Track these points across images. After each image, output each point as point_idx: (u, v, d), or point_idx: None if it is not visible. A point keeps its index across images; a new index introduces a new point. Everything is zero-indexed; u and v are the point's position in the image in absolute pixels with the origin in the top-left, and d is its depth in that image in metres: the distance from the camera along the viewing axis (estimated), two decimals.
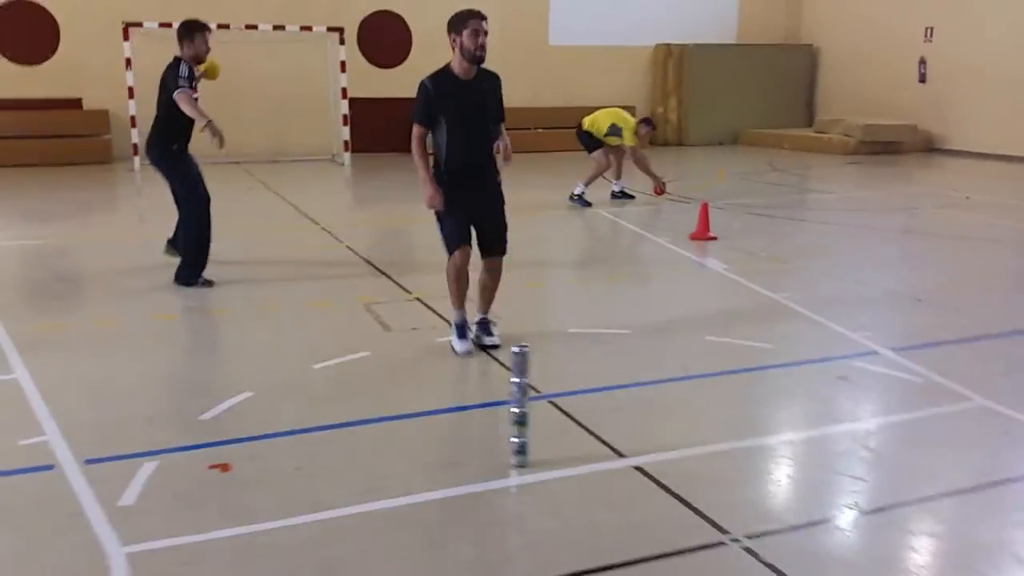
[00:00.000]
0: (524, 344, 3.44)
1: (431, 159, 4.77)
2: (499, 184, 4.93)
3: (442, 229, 4.81)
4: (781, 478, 3.48)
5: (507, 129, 4.91)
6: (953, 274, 6.98)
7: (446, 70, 4.72)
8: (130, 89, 12.64)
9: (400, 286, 6.37)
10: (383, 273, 6.83)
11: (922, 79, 16.94)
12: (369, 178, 13.30)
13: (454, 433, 4.05)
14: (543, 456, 3.48)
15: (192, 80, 6.06)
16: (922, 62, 16.88)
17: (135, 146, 12.53)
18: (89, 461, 3.51)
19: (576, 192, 10.18)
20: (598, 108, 11.46)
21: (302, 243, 8.14)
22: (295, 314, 5.79)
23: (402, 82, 15.80)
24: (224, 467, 3.48)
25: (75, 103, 13.73)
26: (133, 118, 12.78)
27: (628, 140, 10.11)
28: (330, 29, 13.85)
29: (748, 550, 2.85)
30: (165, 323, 5.63)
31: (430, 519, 3.15)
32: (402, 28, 15.98)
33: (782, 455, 3.67)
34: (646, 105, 18.50)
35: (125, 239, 8.35)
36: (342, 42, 13.82)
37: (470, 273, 4.89)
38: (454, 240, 4.76)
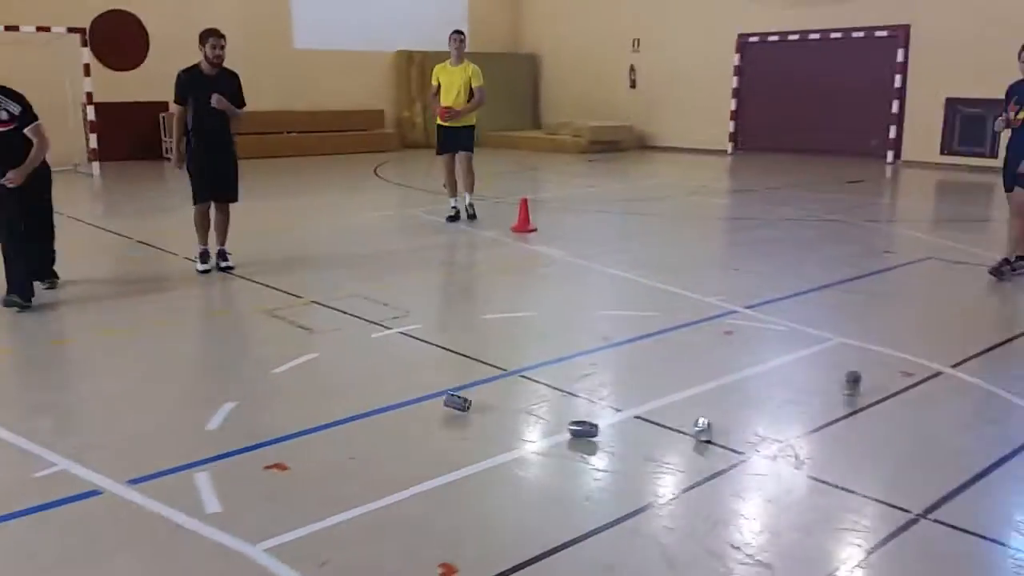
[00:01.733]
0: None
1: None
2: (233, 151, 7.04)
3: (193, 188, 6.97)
4: (763, 403, 4.29)
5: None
6: (748, 246, 8.41)
7: (197, 67, 6.83)
8: None
9: (282, 291, 6.39)
10: (247, 279, 6.77)
11: (632, 85, 19.31)
12: (130, 188, 12.46)
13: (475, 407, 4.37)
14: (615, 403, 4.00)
15: None
16: (632, 69, 19.25)
17: None
18: (133, 481, 3.40)
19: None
20: (347, 112, 11.60)
21: (125, 257, 7.69)
22: (205, 326, 5.63)
23: (142, 85, 14.93)
24: (280, 466, 3.56)
25: None
26: None
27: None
28: (71, 30, 12.66)
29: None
30: (72, 346, 5.22)
31: (509, 476, 3.54)
32: (139, 29, 15.00)
33: (739, 390, 4.49)
34: (393, 109, 19.05)
35: None
36: (84, 44, 12.70)
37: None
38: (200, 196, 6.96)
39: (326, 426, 3.99)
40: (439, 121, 9.43)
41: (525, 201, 8.99)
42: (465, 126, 9.39)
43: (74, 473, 3.48)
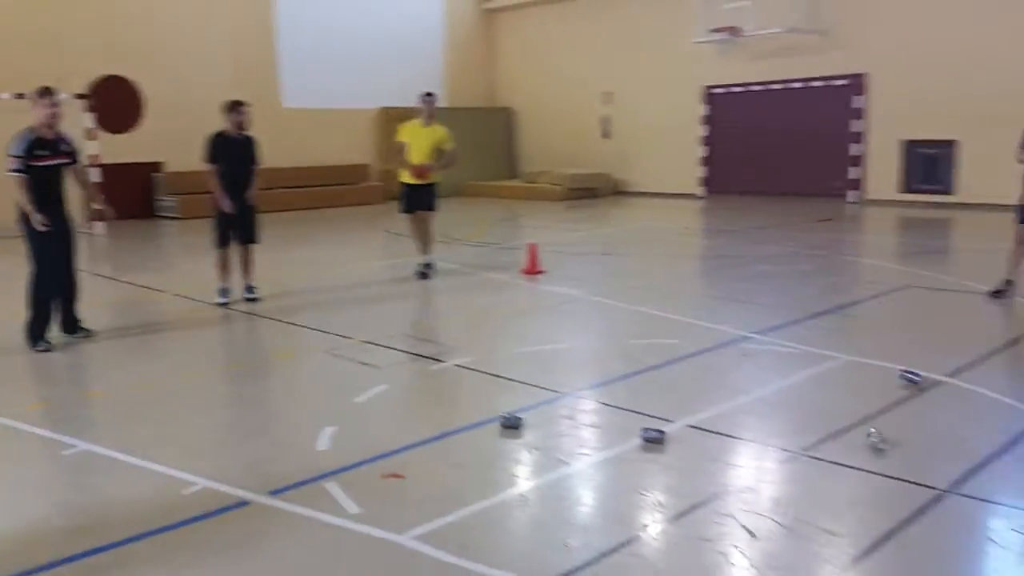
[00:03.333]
0: None
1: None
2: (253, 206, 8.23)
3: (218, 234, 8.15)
4: (791, 411, 4.92)
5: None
6: (745, 280, 9.11)
7: (224, 132, 7.97)
8: None
9: (333, 334, 6.92)
10: (292, 323, 7.31)
11: (605, 135, 20.27)
12: (141, 245, 12.89)
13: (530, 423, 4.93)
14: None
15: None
16: (604, 120, 20.22)
17: None
18: (273, 492, 3.91)
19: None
20: (334, 167, 12.02)
21: (167, 309, 8.20)
22: (276, 366, 6.16)
23: (136, 147, 15.43)
24: (396, 475, 4.09)
25: None
26: None
27: None
28: (78, 96, 13.16)
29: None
30: (154, 390, 5.69)
31: (595, 474, 4.13)
32: (134, 93, 15.51)
33: (768, 402, 5.13)
34: (376, 162, 19.74)
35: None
36: (90, 109, 13.20)
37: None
38: (223, 240, 8.15)
39: (423, 442, 4.53)
40: (405, 179, 9.39)
41: (534, 246, 9.65)
42: (430, 184, 9.41)
43: (216, 489, 3.98)
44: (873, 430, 4.37)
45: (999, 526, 3.57)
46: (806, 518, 3.57)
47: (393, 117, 19.83)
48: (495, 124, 21.71)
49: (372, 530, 3.54)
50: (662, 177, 19.25)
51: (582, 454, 4.36)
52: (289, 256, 11.61)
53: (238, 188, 8.03)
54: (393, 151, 9.60)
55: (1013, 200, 7.84)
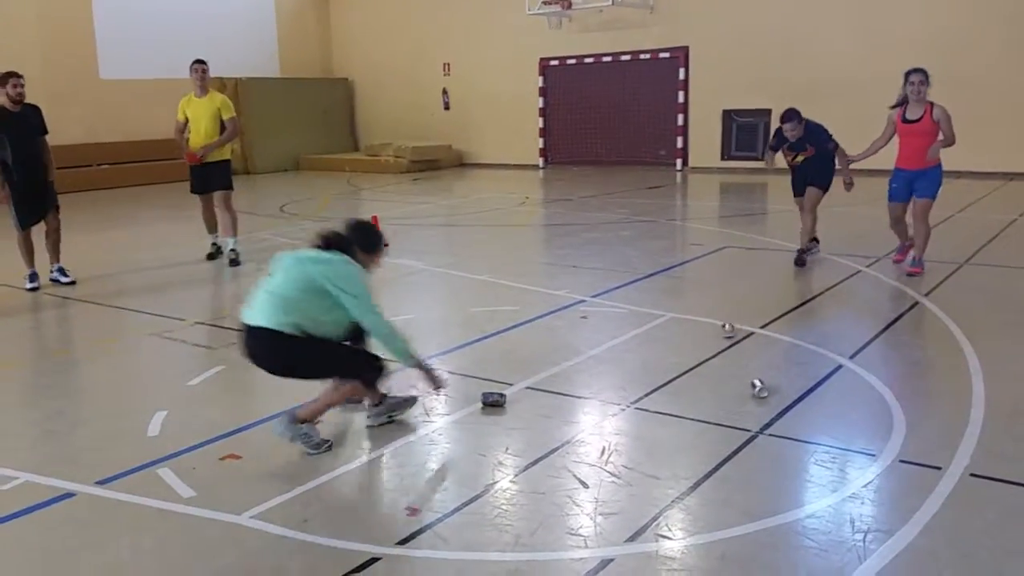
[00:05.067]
0: None
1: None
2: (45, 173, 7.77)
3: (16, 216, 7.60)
4: (621, 368, 5.18)
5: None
6: (580, 247, 9.42)
7: (2, 107, 7.42)
8: None
9: (161, 316, 6.63)
10: (117, 307, 6.95)
11: (446, 106, 20.26)
12: None
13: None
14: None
15: None
16: (444, 92, 20.19)
17: None
18: (100, 482, 3.74)
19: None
20: (156, 141, 10.88)
21: None
22: (101, 351, 5.84)
23: None
24: (234, 456, 4.02)
25: None
26: None
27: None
28: None
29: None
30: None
31: (447, 433, 4.19)
32: None
33: (601, 360, 5.37)
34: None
35: None
36: None
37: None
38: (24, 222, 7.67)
39: (259, 422, 4.46)
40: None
41: (376, 218, 9.52)
42: (220, 161, 8.66)
43: (37, 482, 3.77)
44: (757, 382, 4.66)
45: (805, 460, 3.94)
46: (632, 465, 3.81)
47: (224, 87, 19.04)
48: (334, 95, 21.21)
49: (208, 512, 3.47)
50: (503, 148, 19.51)
51: (427, 421, 4.43)
52: (108, 236, 11.00)
53: (31, 163, 7.56)
54: (176, 131, 8.73)
55: None
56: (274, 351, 4.00)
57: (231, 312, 6.66)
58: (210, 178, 8.69)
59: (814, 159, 7.87)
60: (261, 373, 4.74)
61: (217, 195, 8.71)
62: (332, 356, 4.13)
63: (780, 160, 8.20)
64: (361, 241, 4.29)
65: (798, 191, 8.17)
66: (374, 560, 3.10)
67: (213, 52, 19.48)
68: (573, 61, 18.39)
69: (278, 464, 3.96)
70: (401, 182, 17.02)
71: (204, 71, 8.63)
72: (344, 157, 19.88)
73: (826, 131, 7.85)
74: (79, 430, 4.52)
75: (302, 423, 4.05)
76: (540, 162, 19.09)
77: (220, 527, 3.37)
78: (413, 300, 7.28)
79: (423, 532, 3.29)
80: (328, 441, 4.09)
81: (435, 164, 19.18)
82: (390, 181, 17.18)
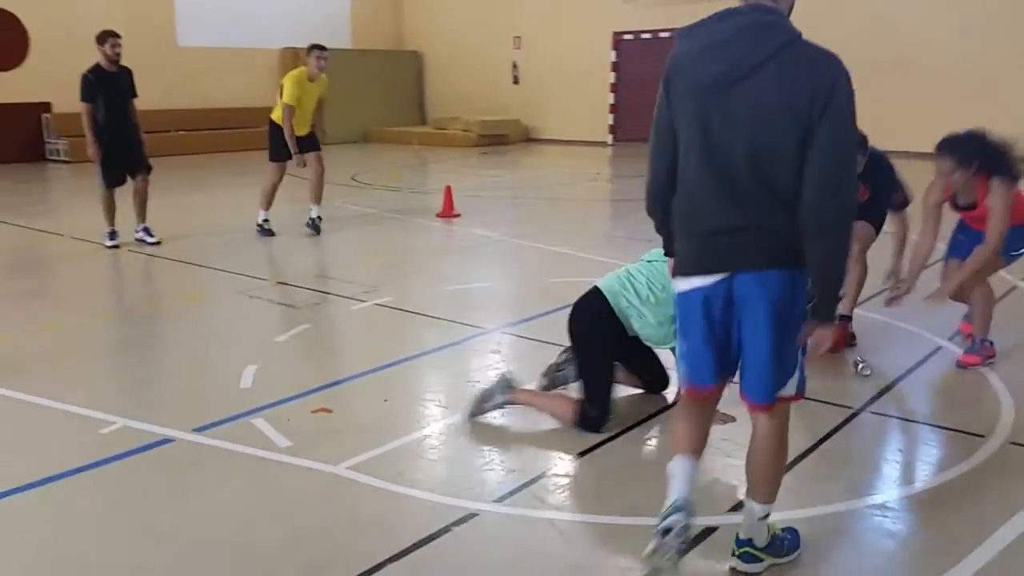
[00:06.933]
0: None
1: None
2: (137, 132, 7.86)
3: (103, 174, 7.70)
4: None
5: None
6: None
7: (98, 66, 7.53)
8: None
9: (244, 275, 6.71)
10: (200, 265, 7.08)
11: (515, 81, 20.13)
12: (30, 189, 12.13)
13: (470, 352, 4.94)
14: None
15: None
16: (514, 66, 20.06)
17: None
18: (198, 429, 3.80)
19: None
20: (233, 109, 11.01)
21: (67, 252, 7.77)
22: (193, 306, 5.98)
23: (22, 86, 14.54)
24: (325, 409, 4.04)
25: None
26: None
27: (286, 98, 8.18)
28: None
29: None
30: (77, 333, 5.39)
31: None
32: (18, 28, 14.49)
33: None
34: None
35: None
36: None
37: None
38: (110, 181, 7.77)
39: (348, 379, 4.48)
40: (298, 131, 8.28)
41: (449, 188, 9.56)
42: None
43: (135, 427, 3.84)
44: (859, 359, 4.58)
45: (911, 438, 3.80)
46: (729, 437, 3.71)
47: (298, 58, 19.18)
48: (403, 68, 21.21)
49: (305, 462, 3.49)
50: (571, 124, 19.28)
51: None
52: (187, 199, 11.18)
53: (121, 125, 7.66)
54: (290, 117, 8.14)
55: None
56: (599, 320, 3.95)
57: (313, 274, 6.74)
58: (306, 142, 8.48)
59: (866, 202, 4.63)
60: (346, 333, 4.80)
61: (310, 157, 8.52)
62: (602, 367, 3.94)
63: None
64: None
65: None
66: (472, 516, 3.08)
67: (287, 23, 19.92)
68: (648, 36, 18.06)
69: (368, 420, 3.97)
70: (469, 156, 16.98)
71: (326, 59, 8.48)
72: (412, 130, 19.88)
73: (894, 173, 4.91)
74: (172, 380, 4.59)
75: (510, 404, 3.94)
76: (609, 138, 18.86)
77: (319, 476, 3.38)
78: (487, 269, 7.25)
79: (519, 491, 3.26)
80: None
81: (503, 139, 19.08)
82: (459, 154, 17.15)
